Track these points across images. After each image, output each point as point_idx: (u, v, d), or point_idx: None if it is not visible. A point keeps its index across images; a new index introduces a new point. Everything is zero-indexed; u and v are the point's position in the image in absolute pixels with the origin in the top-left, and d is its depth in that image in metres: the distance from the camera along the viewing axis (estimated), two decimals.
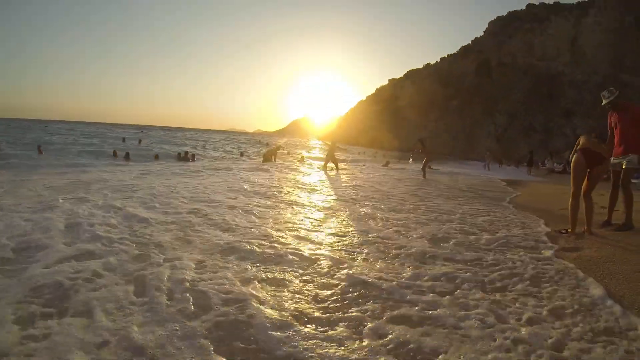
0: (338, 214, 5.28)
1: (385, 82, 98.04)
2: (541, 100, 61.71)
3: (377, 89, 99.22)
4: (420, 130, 73.72)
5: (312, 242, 3.76)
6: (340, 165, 14.59)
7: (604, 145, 4.34)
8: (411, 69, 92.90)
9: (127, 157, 17.33)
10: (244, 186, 7.63)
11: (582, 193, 4.08)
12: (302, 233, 4.10)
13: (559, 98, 61.28)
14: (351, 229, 4.42)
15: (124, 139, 27.74)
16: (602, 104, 4.49)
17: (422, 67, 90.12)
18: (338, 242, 3.81)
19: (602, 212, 5.06)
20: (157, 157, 18.37)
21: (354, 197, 7.10)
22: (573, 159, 4.09)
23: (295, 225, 4.44)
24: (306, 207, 5.73)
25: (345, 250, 3.49)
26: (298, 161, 18.44)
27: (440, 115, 73.03)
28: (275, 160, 16.88)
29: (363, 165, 19.01)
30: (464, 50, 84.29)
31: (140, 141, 27.18)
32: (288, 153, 24.65)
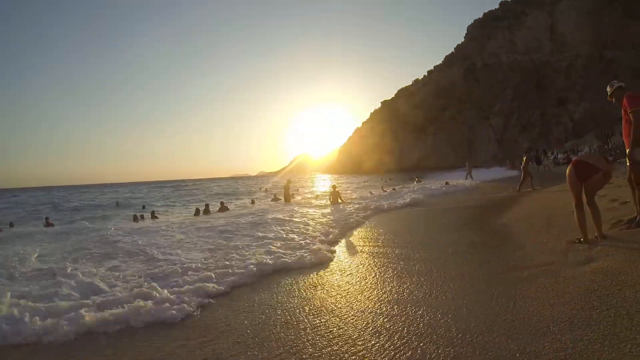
0: None
1: (379, 105, 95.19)
2: (532, 93, 61.56)
3: (371, 113, 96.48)
4: (420, 146, 74.24)
5: None
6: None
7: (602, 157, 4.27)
8: (401, 87, 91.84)
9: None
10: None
11: (585, 201, 3.96)
12: None
13: (550, 88, 60.94)
14: None
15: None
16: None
17: (411, 83, 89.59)
18: None
19: (617, 207, 4.91)
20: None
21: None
22: (567, 172, 4.10)
23: None
24: None
25: None
26: (315, 199, 17.65)
27: (438, 128, 73.11)
28: (291, 198, 16.95)
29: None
30: (449, 59, 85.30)
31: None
32: (297, 190, 24.53)
